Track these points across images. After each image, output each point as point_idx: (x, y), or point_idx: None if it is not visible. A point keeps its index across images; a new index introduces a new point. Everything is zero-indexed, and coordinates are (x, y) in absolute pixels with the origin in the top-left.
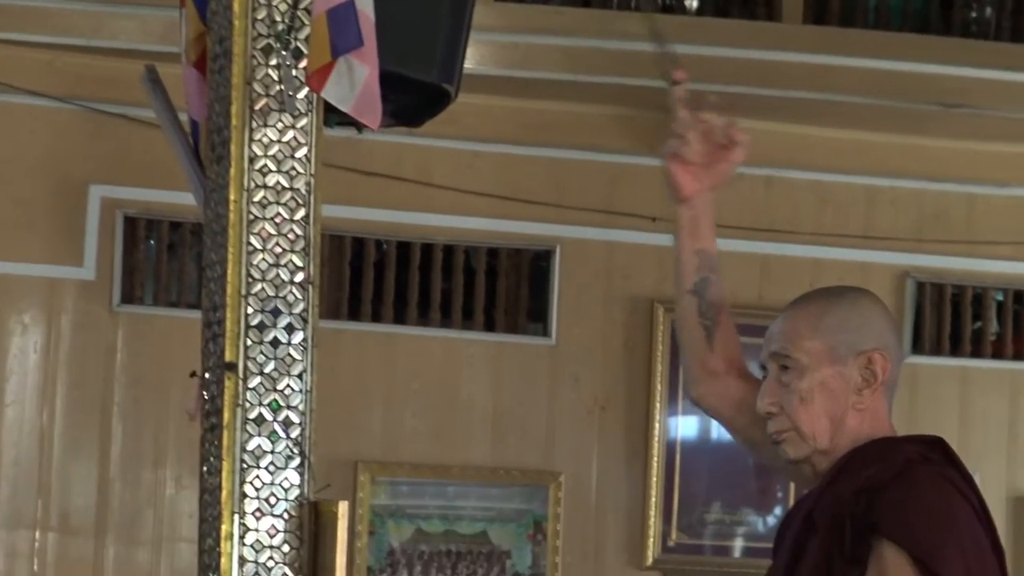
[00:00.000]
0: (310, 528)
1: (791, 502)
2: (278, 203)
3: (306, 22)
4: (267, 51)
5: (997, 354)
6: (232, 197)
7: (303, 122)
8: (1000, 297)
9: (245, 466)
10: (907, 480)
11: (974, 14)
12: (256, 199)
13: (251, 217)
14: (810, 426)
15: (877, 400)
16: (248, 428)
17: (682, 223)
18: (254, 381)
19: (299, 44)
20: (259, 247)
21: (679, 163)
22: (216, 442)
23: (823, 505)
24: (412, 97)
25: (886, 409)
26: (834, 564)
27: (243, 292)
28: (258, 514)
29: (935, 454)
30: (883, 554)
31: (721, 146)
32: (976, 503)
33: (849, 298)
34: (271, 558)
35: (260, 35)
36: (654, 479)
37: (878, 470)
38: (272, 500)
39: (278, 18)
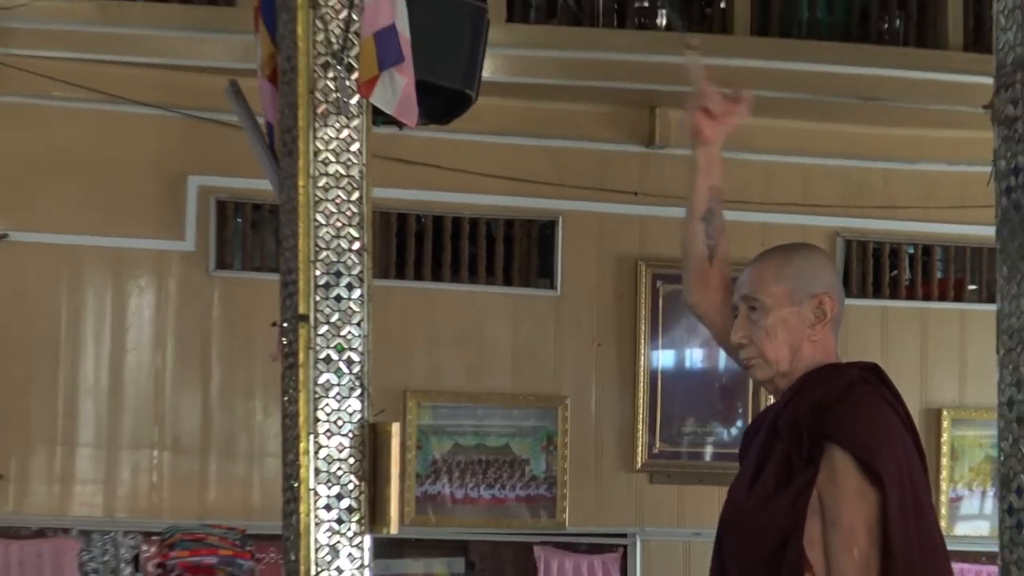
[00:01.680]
0: (370, 444)
1: (750, 418)
2: (337, 187)
3: (356, 43)
4: (326, 66)
5: (910, 296)
6: (301, 183)
7: (356, 122)
8: (912, 251)
9: (317, 396)
10: (851, 397)
11: (887, 25)
12: (320, 184)
13: (316, 199)
14: (774, 354)
15: (826, 334)
16: (319, 366)
17: (699, 163)
18: (322, 329)
19: (351, 60)
20: (323, 222)
21: (702, 113)
22: (294, 378)
23: (785, 418)
24: (441, 100)
25: (833, 341)
26: (795, 464)
27: (312, 258)
28: (328, 434)
29: (872, 376)
30: (833, 455)
31: (731, 102)
32: (904, 415)
33: (803, 252)
34: (339, 468)
35: (320, 54)
36: (641, 400)
37: (828, 389)
38: (339, 423)
39: (334, 40)
